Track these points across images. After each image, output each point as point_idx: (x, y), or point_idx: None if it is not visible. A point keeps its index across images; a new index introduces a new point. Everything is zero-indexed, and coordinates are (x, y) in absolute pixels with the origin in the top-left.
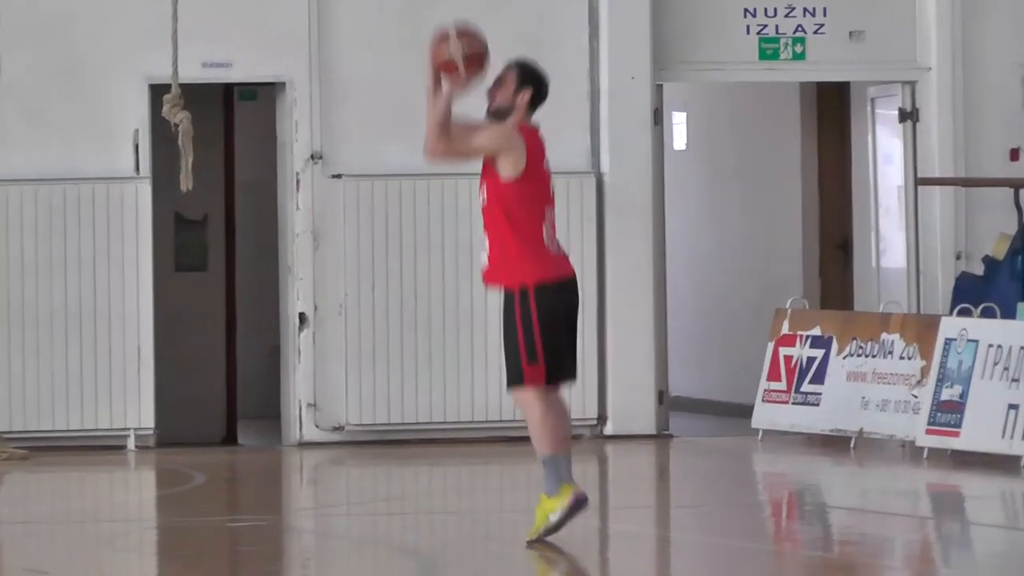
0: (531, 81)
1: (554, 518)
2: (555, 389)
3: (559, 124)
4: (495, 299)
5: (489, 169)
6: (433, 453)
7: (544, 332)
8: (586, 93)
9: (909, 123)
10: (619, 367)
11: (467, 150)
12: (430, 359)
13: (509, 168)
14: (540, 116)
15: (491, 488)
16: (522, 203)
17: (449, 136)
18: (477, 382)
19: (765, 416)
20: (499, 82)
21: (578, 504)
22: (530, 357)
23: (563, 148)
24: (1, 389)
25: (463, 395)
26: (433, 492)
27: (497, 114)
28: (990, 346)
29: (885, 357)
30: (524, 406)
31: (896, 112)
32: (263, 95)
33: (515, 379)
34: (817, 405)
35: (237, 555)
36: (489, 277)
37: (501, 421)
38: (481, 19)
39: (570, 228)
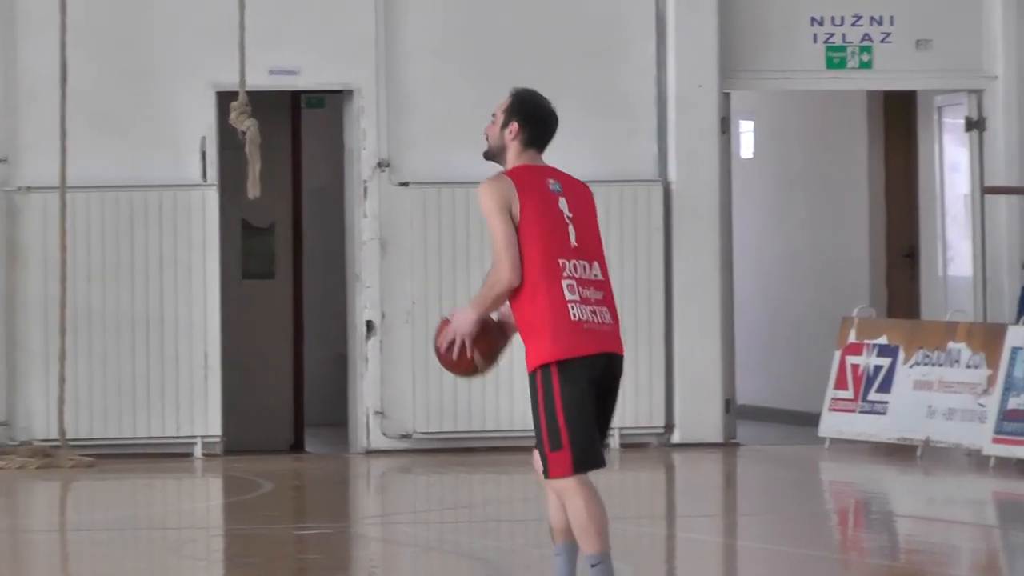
0: (520, 113)
1: None
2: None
3: (626, 131)
4: None
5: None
6: (500, 461)
7: (568, 415)
8: (653, 101)
9: (975, 132)
10: (686, 375)
11: (503, 255)
12: (497, 367)
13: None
14: (606, 122)
15: None
16: (531, 262)
17: (498, 290)
18: None
19: (832, 425)
20: (492, 117)
21: None
22: (553, 444)
23: (630, 156)
24: (68, 396)
25: (529, 403)
26: (500, 500)
27: (488, 157)
28: None
29: (951, 366)
30: (563, 496)
31: (963, 121)
32: (330, 102)
33: (544, 469)
34: (884, 414)
35: (303, 563)
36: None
37: None
38: (545, 24)
39: (637, 236)
